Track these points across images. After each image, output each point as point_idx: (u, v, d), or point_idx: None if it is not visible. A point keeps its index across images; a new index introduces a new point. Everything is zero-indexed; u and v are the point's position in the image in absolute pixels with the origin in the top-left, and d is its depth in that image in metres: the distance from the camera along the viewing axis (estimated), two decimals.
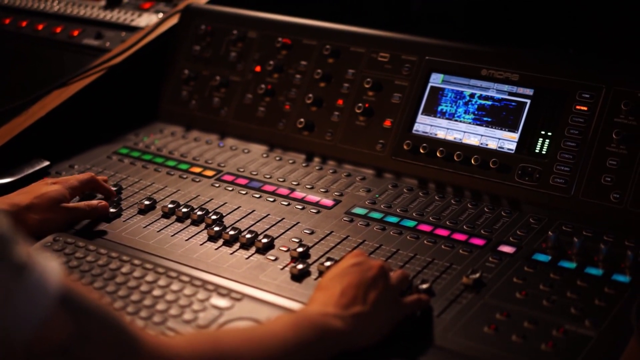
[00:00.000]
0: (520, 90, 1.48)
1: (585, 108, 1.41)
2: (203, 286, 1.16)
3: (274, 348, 0.92)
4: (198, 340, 0.88)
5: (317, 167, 1.59)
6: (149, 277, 1.19)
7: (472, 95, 1.51)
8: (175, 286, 1.17)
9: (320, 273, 1.24)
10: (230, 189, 1.52)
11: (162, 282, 1.18)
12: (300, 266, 1.24)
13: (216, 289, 1.16)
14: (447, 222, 1.37)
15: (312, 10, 2.18)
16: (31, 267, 0.73)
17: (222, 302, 1.13)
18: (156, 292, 1.15)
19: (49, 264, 0.75)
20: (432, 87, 1.55)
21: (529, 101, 1.46)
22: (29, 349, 0.71)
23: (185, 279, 1.18)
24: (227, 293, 1.15)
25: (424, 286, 1.18)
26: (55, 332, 0.72)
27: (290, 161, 1.61)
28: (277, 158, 1.63)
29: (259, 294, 1.17)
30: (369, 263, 1.10)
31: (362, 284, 1.06)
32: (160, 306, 1.12)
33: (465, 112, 1.50)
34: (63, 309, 0.73)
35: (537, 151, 1.43)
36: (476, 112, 1.50)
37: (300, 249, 1.29)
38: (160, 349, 0.82)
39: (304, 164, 1.60)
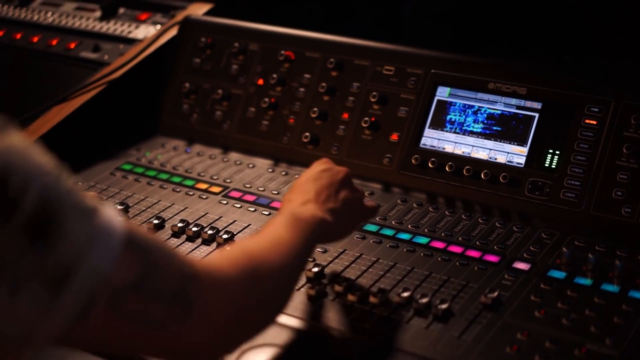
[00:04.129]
0: (528, 103, 1.48)
1: (594, 122, 1.42)
2: None
3: (289, 251, 1.03)
4: (234, 255, 0.95)
5: None
6: None
7: (479, 109, 1.51)
8: None
9: (337, 294, 1.24)
10: (238, 205, 1.51)
11: None
12: (316, 287, 1.24)
13: None
14: (460, 238, 1.37)
15: (301, 15, 2.18)
16: (100, 211, 0.79)
17: None
18: None
19: (110, 208, 0.81)
20: (438, 101, 1.55)
21: (537, 115, 1.47)
22: (110, 285, 0.77)
23: None
24: None
25: (443, 306, 1.18)
26: (126, 269, 0.79)
27: (297, 176, 1.60)
28: (283, 173, 1.63)
29: (278, 318, 1.17)
30: (337, 168, 1.25)
31: (333, 185, 1.21)
32: None
33: (475, 123, 1.51)
34: (130, 247, 0.79)
35: (546, 165, 1.43)
36: (485, 123, 1.50)
37: (315, 269, 1.28)
38: (211, 271, 0.90)
39: None
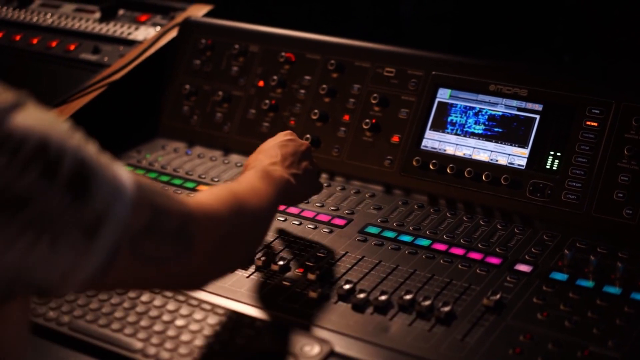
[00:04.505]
0: (529, 105, 1.48)
1: (595, 124, 1.42)
2: (226, 315, 1.16)
3: (264, 198, 1.15)
4: (221, 194, 1.06)
5: (325, 184, 1.58)
6: (170, 306, 1.18)
7: (480, 110, 1.51)
8: (198, 315, 1.16)
9: (340, 296, 1.24)
10: None
11: (184, 311, 1.17)
12: (319, 290, 1.24)
13: (240, 317, 1.15)
14: (462, 240, 1.37)
15: (300, 15, 2.18)
16: (115, 165, 0.87)
17: (248, 332, 1.12)
18: (179, 322, 1.15)
19: (118, 162, 0.89)
20: (439, 102, 1.55)
21: (538, 117, 1.47)
22: (130, 230, 0.86)
23: (207, 307, 1.17)
24: (251, 322, 1.14)
25: (446, 309, 1.18)
26: (139, 215, 0.87)
27: None
28: None
29: (282, 322, 1.17)
30: (300, 141, 1.37)
31: (297, 154, 1.32)
32: (185, 337, 1.12)
33: (476, 125, 1.51)
34: (140, 195, 0.88)
35: (547, 167, 1.43)
36: (486, 125, 1.50)
37: (317, 272, 1.28)
38: (203, 207, 0.99)
39: None
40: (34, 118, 0.80)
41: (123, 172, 0.87)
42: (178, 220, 0.93)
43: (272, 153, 1.30)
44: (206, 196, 1.04)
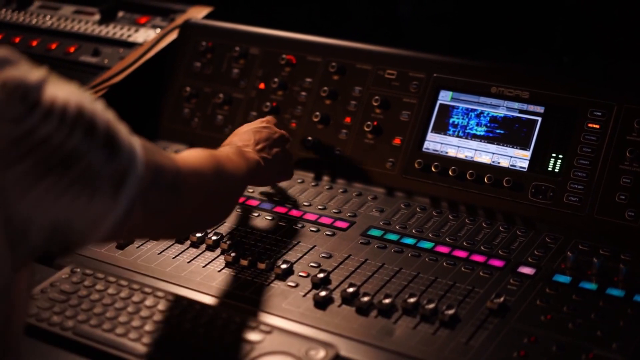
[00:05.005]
0: (531, 107, 1.48)
1: (597, 126, 1.42)
2: (230, 318, 1.16)
3: (238, 169, 1.26)
4: (204, 155, 1.16)
5: (326, 187, 1.58)
6: (175, 311, 1.18)
7: (482, 112, 1.51)
8: (202, 319, 1.16)
9: (344, 299, 1.24)
10: (240, 210, 1.51)
11: (189, 315, 1.17)
12: (323, 293, 1.24)
13: (244, 320, 1.15)
14: (464, 243, 1.37)
15: (300, 16, 2.18)
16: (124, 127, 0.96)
17: (253, 336, 1.12)
18: (184, 327, 1.14)
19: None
20: (441, 105, 1.55)
21: (540, 119, 1.47)
22: (142, 183, 0.95)
23: (211, 311, 1.17)
24: (256, 326, 1.14)
25: (450, 312, 1.18)
26: (147, 170, 0.95)
27: (299, 180, 1.60)
28: None
29: (287, 325, 1.17)
30: (275, 129, 1.46)
31: (269, 140, 1.42)
32: (191, 341, 1.11)
33: (477, 129, 1.51)
34: (145, 153, 0.96)
35: (549, 169, 1.44)
36: (487, 127, 1.50)
37: (320, 275, 1.28)
38: (188, 164, 1.09)
39: (313, 184, 1.60)
40: (65, 88, 0.89)
41: (132, 136, 0.96)
42: (171, 175, 1.02)
43: (245, 137, 1.40)
44: (189, 154, 1.14)
